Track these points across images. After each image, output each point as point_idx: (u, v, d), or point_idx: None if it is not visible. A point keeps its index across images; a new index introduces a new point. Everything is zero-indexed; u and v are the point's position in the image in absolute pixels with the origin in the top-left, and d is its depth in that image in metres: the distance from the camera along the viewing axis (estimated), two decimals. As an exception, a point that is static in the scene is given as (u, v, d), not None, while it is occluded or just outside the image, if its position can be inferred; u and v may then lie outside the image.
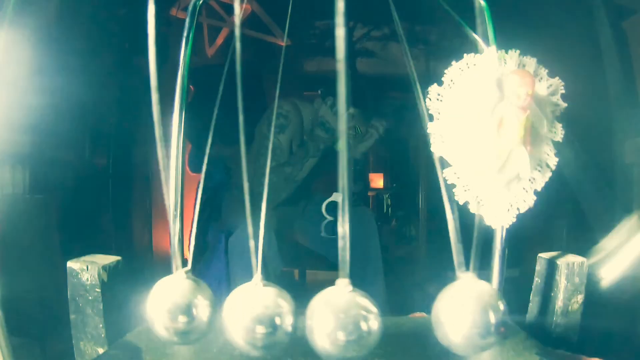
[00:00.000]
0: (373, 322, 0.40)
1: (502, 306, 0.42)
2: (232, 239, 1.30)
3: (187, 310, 0.44)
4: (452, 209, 0.45)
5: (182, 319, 0.44)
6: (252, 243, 0.41)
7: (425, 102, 0.50)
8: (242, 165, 0.40)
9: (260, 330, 0.41)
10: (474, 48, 0.54)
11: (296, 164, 1.41)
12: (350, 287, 0.41)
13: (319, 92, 1.48)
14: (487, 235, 0.60)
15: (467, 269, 0.42)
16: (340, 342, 0.39)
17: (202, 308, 0.45)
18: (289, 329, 0.42)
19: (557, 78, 0.54)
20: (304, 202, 1.48)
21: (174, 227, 0.49)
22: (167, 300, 0.45)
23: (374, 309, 0.41)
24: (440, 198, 0.47)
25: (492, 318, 0.41)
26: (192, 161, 1.49)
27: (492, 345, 0.42)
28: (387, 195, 2.11)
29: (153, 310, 0.45)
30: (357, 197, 1.53)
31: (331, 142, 1.42)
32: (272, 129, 1.43)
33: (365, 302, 0.41)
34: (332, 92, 1.41)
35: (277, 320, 0.41)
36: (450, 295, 0.43)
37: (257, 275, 0.42)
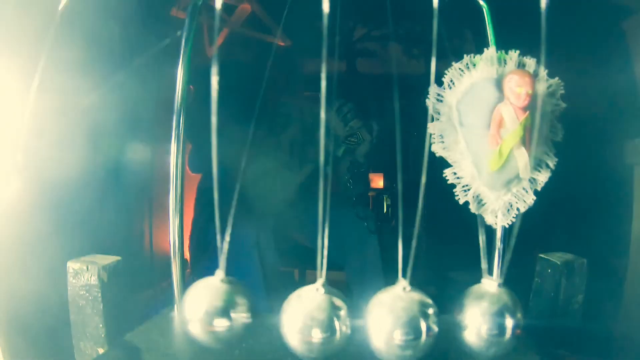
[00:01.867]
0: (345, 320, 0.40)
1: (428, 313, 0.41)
2: (230, 238, 1.30)
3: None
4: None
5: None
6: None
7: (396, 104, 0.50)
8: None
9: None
10: (474, 48, 0.54)
11: (294, 168, 1.40)
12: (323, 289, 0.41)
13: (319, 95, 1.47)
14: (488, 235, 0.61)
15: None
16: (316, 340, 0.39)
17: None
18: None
19: (557, 78, 0.54)
20: (305, 203, 1.48)
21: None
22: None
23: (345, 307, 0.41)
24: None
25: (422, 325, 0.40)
26: (192, 161, 1.49)
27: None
28: (387, 195, 2.11)
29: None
30: (357, 197, 1.52)
31: (333, 148, 1.41)
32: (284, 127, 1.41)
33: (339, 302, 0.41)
34: (328, 107, 1.39)
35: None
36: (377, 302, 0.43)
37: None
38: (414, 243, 0.41)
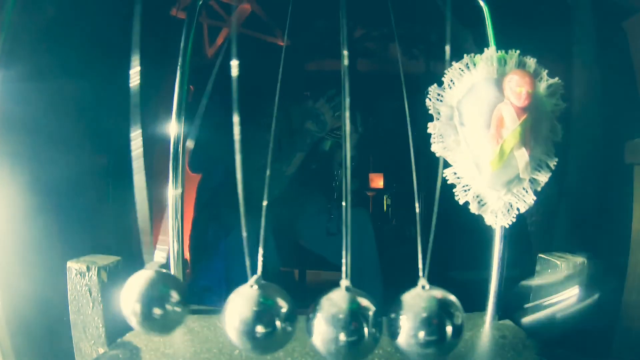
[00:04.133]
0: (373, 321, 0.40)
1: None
2: (230, 238, 1.30)
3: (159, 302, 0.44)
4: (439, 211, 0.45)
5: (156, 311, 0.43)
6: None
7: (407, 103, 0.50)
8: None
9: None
10: (474, 49, 0.54)
11: (284, 159, 1.41)
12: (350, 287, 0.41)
13: (308, 94, 1.47)
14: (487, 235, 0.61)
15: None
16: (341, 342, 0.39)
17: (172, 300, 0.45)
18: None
19: (557, 78, 0.54)
20: (302, 202, 1.48)
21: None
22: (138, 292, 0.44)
23: (373, 308, 0.41)
24: (440, 198, 0.47)
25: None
26: (192, 161, 1.49)
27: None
28: (387, 195, 2.11)
29: (126, 302, 0.44)
30: (354, 196, 1.51)
31: (320, 136, 1.41)
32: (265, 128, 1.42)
33: (364, 301, 0.41)
34: (320, 95, 1.41)
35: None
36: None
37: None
38: (430, 243, 0.41)
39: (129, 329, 0.63)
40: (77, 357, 0.62)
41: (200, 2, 0.65)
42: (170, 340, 0.59)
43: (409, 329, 0.39)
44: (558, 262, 0.66)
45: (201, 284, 1.35)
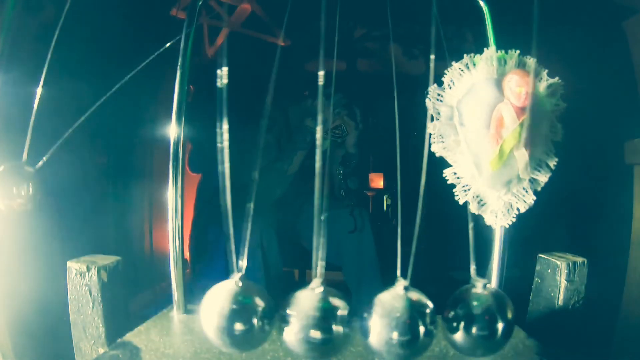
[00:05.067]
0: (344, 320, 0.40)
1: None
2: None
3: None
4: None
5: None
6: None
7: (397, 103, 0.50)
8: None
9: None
10: (473, 48, 0.54)
11: (286, 158, 1.41)
12: (321, 287, 0.41)
13: (306, 93, 1.47)
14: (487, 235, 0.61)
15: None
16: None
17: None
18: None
19: (557, 78, 0.54)
20: (301, 202, 1.48)
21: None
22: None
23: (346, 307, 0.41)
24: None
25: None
26: (192, 161, 1.49)
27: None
28: (387, 195, 2.11)
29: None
30: (353, 195, 1.51)
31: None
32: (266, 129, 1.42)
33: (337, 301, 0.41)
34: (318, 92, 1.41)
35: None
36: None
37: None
38: (414, 243, 0.41)
39: (129, 329, 0.63)
40: (77, 357, 0.62)
41: (200, 2, 0.65)
42: (170, 340, 0.59)
43: (383, 329, 0.39)
44: (558, 262, 0.66)
45: (201, 284, 1.35)
